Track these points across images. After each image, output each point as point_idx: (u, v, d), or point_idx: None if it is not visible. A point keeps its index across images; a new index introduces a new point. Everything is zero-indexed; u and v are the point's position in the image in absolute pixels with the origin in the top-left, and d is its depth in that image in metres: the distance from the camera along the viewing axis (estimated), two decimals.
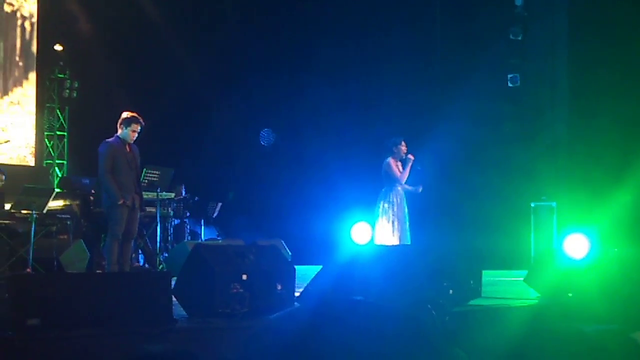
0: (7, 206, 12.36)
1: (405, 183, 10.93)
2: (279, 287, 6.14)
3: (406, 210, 10.96)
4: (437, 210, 13.11)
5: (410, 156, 10.96)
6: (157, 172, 11.97)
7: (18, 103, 16.66)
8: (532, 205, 12.79)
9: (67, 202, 13.02)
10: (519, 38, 13.72)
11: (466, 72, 13.95)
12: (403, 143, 11.00)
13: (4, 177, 12.51)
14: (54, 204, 12.11)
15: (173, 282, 5.86)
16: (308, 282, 6.58)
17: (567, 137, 13.64)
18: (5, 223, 11.67)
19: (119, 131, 9.29)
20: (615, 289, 6.98)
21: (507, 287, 9.39)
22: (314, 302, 6.37)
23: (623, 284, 7.04)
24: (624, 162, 11.90)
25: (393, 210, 10.89)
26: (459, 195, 13.51)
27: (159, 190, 11.81)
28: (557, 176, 13.15)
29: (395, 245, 10.39)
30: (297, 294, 6.44)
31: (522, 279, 8.24)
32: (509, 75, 13.86)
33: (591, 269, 7.63)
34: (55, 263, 11.34)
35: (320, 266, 7.01)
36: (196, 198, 14.09)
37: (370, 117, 15.02)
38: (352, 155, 14.59)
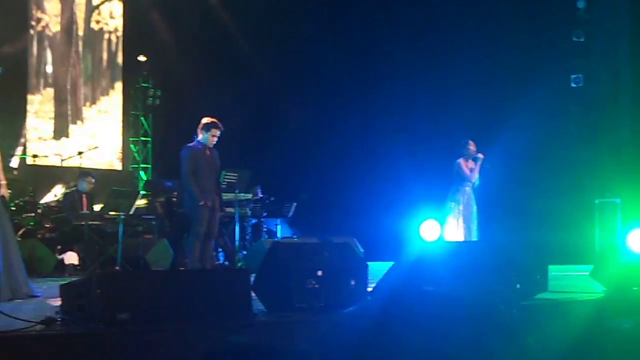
0: (97, 208, 12.61)
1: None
2: (353, 283, 6.13)
3: (475, 209, 10.91)
4: (505, 207, 12.96)
5: (480, 155, 10.93)
6: (235, 175, 12.06)
7: (105, 111, 16.95)
8: (597, 202, 12.56)
9: (152, 204, 13.22)
10: (582, 39, 13.52)
11: (531, 74, 13.77)
12: (471, 143, 10.99)
13: (93, 180, 12.75)
14: (140, 205, 12.29)
15: (252, 279, 5.90)
16: (380, 277, 6.56)
17: (631, 135, 13.38)
18: (95, 224, 11.90)
19: (200, 136, 9.38)
20: None
21: (573, 282, 9.24)
22: (386, 296, 6.36)
23: None
24: None
25: (459, 208, 10.86)
26: (526, 193, 13.34)
27: (237, 192, 11.90)
28: (621, 173, 12.89)
29: (463, 242, 10.33)
30: (369, 289, 6.43)
31: (587, 273, 8.10)
32: (573, 76, 13.66)
33: None
34: (141, 261, 11.51)
35: (391, 262, 6.98)
36: (272, 198, 14.14)
37: (439, 117, 14.91)
38: (421, 154, 14.50)
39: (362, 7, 16.23)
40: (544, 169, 13.39)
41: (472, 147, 10.97)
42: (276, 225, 14.57)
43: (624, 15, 13.39)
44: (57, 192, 14.45)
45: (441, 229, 10.97)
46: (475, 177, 10.91)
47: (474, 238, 10.75)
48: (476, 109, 14.39)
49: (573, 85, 13.64)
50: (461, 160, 10.95)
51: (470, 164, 10.95)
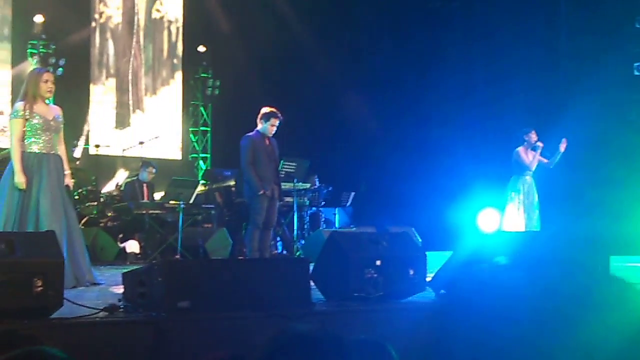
0: (157, 197, 12.76)
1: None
2: (412, 272, 6.11)
3: (536, 198, 10.82)
4: (566, 196, 12.79)
5: (539, 144, 10.84)
6: (294, 164, 12.10)
7: (166, 101, 17.12)
8: None
9: (211, 193, 13.32)
10: None
11: (592, 61, 13.56)
12: (533, 132, 10.93)
13: (154, 170, 12.90)
14: (199, 194, 12.40)
15: (311, 268, 5.92)
16: (438, 268, 6.53)
17: None
18: (156, 213, 12.04)
19: (259, 125, 9.42)
20: None
21: (635, 273, 9.09)
22: (446, 286, 6.33)
23: None
24: None
25: (519, 198, 10.77)
26: (586, 183, 13.14)
27: (295, 181, 11.93)
28: None
29: (523, 232, 10.22)
30: (428, 279, 6.41)
31: None
32: (635, 64, 13.40)
33: None
34: (200, 250, 11.62)
35: (449, 252, 6.94)
36: (330, 188, 14.16)
37: (497, 106, 14.76)
38: (479, 142, 14.42)
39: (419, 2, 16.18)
40: (607, 158, 13.17)
41: (533, 136, 10.89)
42: (334, 214, 14.59)
43: None
44: (118, 181, 14.65)
45: (500, 218, 10.91)
46: (534, 165, 10.82)
47: (536, 228, 10.64)
48: (536, 97, 14.24)
49: (636, 73, 13.39)
50: (520, 149, 10.87)
51: (530, 153, 10.87)
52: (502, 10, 15.04)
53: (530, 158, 10.81)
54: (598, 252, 7.24)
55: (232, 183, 13.23)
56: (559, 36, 14.61)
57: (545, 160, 10.90)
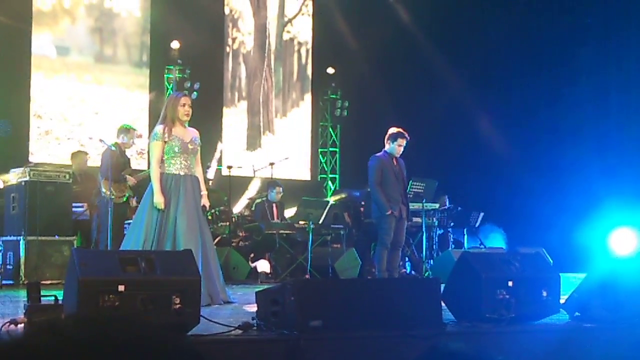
0: (287, 216, 12.93)
1: None
2: (545, 294, 5.99)
3: None
4: None
5: None
6: (422, 184, 12.05)
7: (295, 123, 17.35)
8: None
9: (340, 214, 13.39)
10: None
11: None
12: None
13: (281, 190, 13.06)
14: (328, 215, 12.48)
15: (442, 288, 5.88)
16: (572, 290, 6.38)
17: None
18: (286, 233, 12.20)
19: (387, 146, 9.45)
20: None
21: None
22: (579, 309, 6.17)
23: None
24: None
25: None
26: None
27: (424, 201, 11.88)
28: None
29: None
30: (562, 301, 6.27)
31: None
32: None
33: None
34: (330, 270, 11.69)
35: (582, 274, 6.78)
36: (459, 208, 14.02)
37: (631, 119, 14.33)
38: (611, 157, 13.99)
39: (548, 15, 15.89)
40: None
41: None
42: (463, 235, 14.43)
43: None
44: (249, 202, 14.90)
45: (638, 238, 10.51)
46: None
47: None
48: None
49: None
50: None
51: None
52: (634, 24, 14.64)
53: None
54: None
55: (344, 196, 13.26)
56: None
57: None
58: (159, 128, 7.46)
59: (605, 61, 15.48)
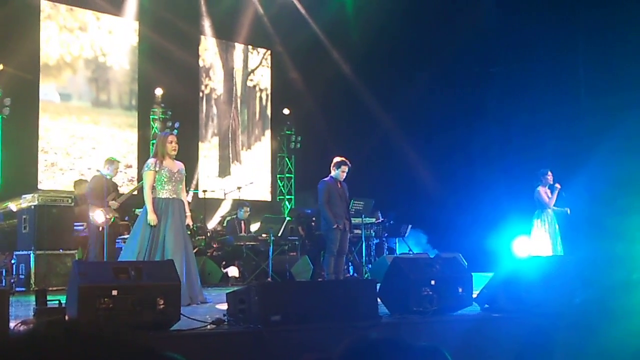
0: (252, 229, 12.88)
1: (555, 205, 10.58)
2: (460, 290, 6.05)
3: (557, 227, 10.54)
4: (587, 227, 12.46)
5: (557, 185, 10.58)
6: (361, 203, 12.08)
7: (258, 154, 17.34)
8: None
9: (295, 228, 13.38)
10: None
11: (612, 107, 13.23)
12: (549, 173, 10.63)
13: (249, 209, 13.03)
14: (286, 229, 12.47)
15: (377, 287, 5.90)
16: (482, 286, 6.44)
17: None
18: (252, 244, 12.15)
19: (332, 172, 9.47)
20: None
21: None
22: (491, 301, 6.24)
23: None
24: None
25: (545, 227, 10.52)
26: (606, 215, 12.78)
27: (363, 217, 11.91)
28: None
29: (552, 256, 10.00)
30: (474, 295, 6.32)
31: None
32: None
33: None
34: (287, 274, 11.65)
35: (490, 273, 6.86)
36: (391, 222, 14.09)
37: (530, 151, 14.55)
38: (514, 180, 14.16)
39: (461, 66, 16.13)
40: (623, 194, 12.80)
41: (549, 176, 10.62)
42: (395, 243, 14.50)
43: None
44: (221, 219, 14.83)
45: (530, 245, 10.67)
46: (553, 203, 10.53)
47: (560, 253, 10.39)
48: (563, 144, 13.98)
49: None
50: (540, 189, 10.60)
51: (549, 191, 10.60)
52: (533, 73, 14.93)
53: (548, 197, 10.53)
54: (617, 271, 7.05)
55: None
56: (579, 94, 14.40)
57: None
58: (151, 160, 7.46)
59: (508, 102, 15.73)
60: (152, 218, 7.20)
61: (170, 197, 7.39)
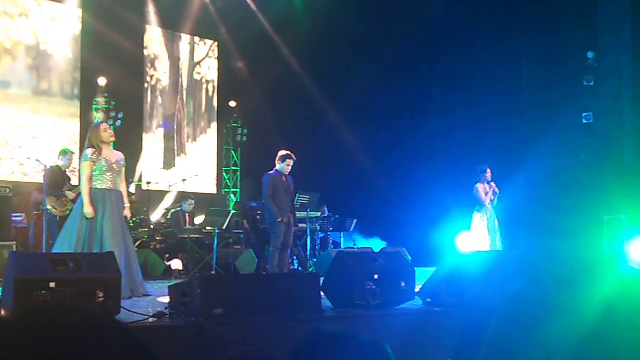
0: (197, 221, 12.77)
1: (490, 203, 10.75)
2: (403, 284, 6.10)
3: (496, 223, 10.71)
4: (527, 223, 12.72)
5: (492, 184, 10.75)
6: (306, 196, 12.11)
7: (203, 146, 17.19)
8: (605, 218, 12.26)
9: (240, 221, 13.32)
10: (591, 83, 13.29)
11: (549, 113, 13.58)
12: (488, 170, 10.78)
13: (193, 202, 12.92)
14: (230, 222, 12.39)
15: (321, 281, 5.91)
16: (424, 280, 6.51)
17: (633, 161, 13.07)
18: (195, 236, 12.04)
19: (277, 165, 9.46)
20: None
21: None
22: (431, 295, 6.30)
23: None
24: None
25: (484, 223, 10.68)
26: (545, 211, 13.08)
27: (308, 210, 11.93)
28: (626, 193, 12.55)
29: (492, 251, 10.17)
30: (416, 290, 6.39)
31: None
32: (584, 114, 13.42)
33: None
34: (231, 267, 11.59)
35: (433, 268, 6.93)
36: (337, 216, 14.14)
37: (472, 145, 14.78)
38: (457, 176, 14.36)
39: (406, 61, 16.26)
40: (560, 190, 13.11)
41: (488, 173, 10.78)
42: (340, 237, 14.55)
43: (627, 63, 13.15)
44: (165, 211, 14.67)
45: (471, 240, 10.83)
46: (488, 200, 10.69)
47: (499, 248, 10.57)
48: (504, 138, 14.22)
49: (584, 121, 13.39)
50: (479, 185, 10.74)
51: (487, 187, 10.76)
52: (476, 67, 15.13)
53: (484, 195, 10.69)
54: (556, 267, 7.18)
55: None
56: (521, 89, 14.68)
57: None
58: (89, 150, 7.31)
59: (452, 97, 15.95)
60: (88, 211, 7.06)
61: (108, 188, 7.27)
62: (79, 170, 7.47)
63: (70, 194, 9.93)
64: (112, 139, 7.44)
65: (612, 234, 11.94)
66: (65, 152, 10.20)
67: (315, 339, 1.69)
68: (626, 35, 13.14)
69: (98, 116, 14.42)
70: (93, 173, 7.22)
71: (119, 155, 7.49)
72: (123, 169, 7.51)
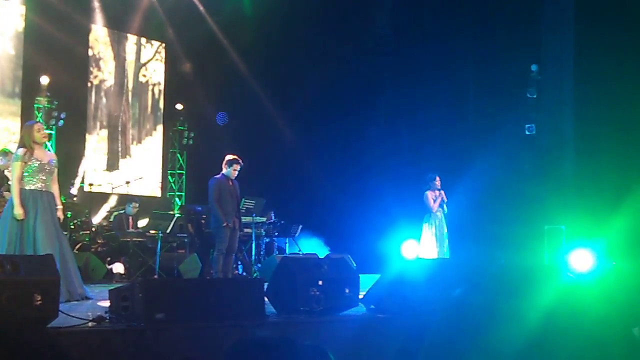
0: (141, 225, 12.60)
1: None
2: (347, 291, 6.11)
3: (445, 230, 10.85)
4: (471, 232, 12.90)
5: (442, 192, 10.89)
6: (253, 201, 12.05)
7: (149, 149, 16.98)
8: (546, 228, 12.51)
9: (185, 225, 13.18)
10: (535, 96, 13.55)
11: (493, 124, 13.81)
12: (437, 178, 10.93)
13: (137, 205, 12.74)
14: (175, 226, 12.26)
15: (265, 287, 5.88)
16: (369, 287, 6.53)
17: (574, 173, 13.37)
18: (139, 240, 11.89)
19: (224, 169, 9.40)
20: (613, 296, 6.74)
21: None
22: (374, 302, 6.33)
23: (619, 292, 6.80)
24: (620, 193, 11.59)
25: (432, 231, 10.80)
26: (488, 220, 13.29)
27: (254, 215, 11.88)
28: (566, 204, 12.84)
29: (436, 258, 10.28)
30: (361, 296, 6.40)
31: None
32: (527, 125, 13.67)
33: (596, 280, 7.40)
34: (175, 271, 11.47)
35: (378, 275, 6.97)
36: (282, 221, 14.11)
37: (418, 155, 14.95)
38: (403, 185, 14.49)
39: (353, 68, 16.35)
40: (503, 201, 13.34)
41: (437, 181, 10.93)
42: (285, 243, 14.53)
43: (569, 77, 13.45)
44: (108, 214, 14.44)
45: (418, 247, 10.94)
46: (437, 207, 10.82)
47: (446, 255, 10.69)
48: (449, 152, 14.41)
49: (527, 133, 13.64)
50: (429, 193, 10.88)
51: (437, 194, 10.90)
52: (422, 75, 15.30)
53: (433, 202, 10.82)
54: (496, 274, 7.29)
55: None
56: (467, 99, 14.90)
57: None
58: (20, 150, 7.12)
59: (398, 107, 16.08)
60: (18, 212, 6.87)
61: (39, 189, 7.09)
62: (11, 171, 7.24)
63: (9, 195, 9.69)
64: (46, 139, 7.31)
65: (552, 243, 12.19)
66: (5, 153, 9.93)
67: (250, 345, 1.67)
68: (568, 49, 13.46)
69: (40, 116, 14.11)
70: (24, 174, 7.04)
71: (52, 156, 7.33)
72: (56, 170, 7.33)
